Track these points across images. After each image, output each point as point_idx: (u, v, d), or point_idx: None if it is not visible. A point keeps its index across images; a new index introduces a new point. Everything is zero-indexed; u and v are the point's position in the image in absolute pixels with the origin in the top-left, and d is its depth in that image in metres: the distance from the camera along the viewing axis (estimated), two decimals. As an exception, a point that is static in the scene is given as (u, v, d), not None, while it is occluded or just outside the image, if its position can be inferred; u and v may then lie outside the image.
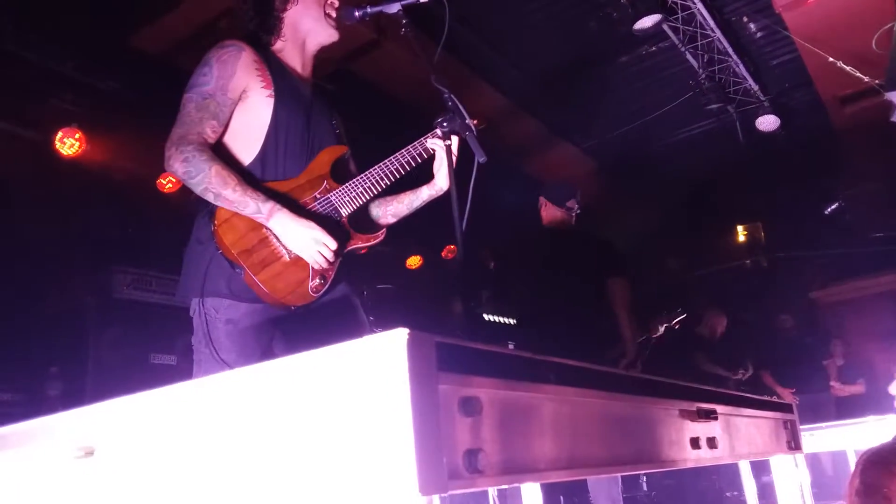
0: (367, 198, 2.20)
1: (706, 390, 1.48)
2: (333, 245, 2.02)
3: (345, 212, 2.16)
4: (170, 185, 5.15)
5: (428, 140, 2.22)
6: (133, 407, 1.03)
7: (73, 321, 4.08)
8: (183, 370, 4.21)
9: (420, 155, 2.22)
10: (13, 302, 4.13)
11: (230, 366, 1.95)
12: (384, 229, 2.28)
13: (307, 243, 1.99)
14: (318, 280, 2.06)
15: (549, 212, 4.07)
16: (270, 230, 2.00)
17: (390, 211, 2.41)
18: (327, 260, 2.03)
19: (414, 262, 7.58)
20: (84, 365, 3.90)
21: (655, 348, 4.29)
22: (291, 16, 2.24)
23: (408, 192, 2.40)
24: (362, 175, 2.19)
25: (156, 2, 4.58)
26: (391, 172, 2.21)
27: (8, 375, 3.88)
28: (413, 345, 0.77)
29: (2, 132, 4.68)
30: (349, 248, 2.17)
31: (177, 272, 4.82)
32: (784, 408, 1.98)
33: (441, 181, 2.30)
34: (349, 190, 2.17)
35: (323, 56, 2.41)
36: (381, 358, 0.78)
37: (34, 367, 3.97)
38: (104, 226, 5.16)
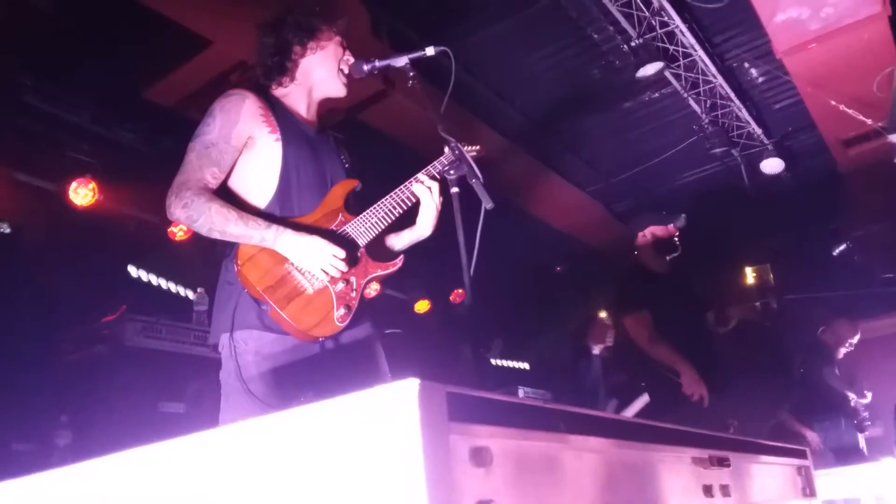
0: (383, 227, 2.23)
1: (718, 437, 1.47)
2: (341, 253, 2.05)
3: (362, 242, 2.19)
4: (181, 233, 5.21)
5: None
6: (144, 458, 1.03)
7: (84, 369, 4.09)
8: (191, 417, 4.20)
9: (434, 178, 2.26)
10: (25, 351, 4.15)
11: (259, 398, 1.98)
12: (402, 256, 2.30)
13: (316, 256, 2.03)
14: (342, 310, 2.08)
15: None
16: (292, 264, 2.04)
17: (402, 240, 2.43)
18: (342, 272, 2.06)
19: (423, 307, 7.58)
20: (93, 414, 3.89)
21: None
22: (307, 63, 2.30)
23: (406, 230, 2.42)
24: (376, 205, 2.23)
25: (169, 56, 4.70)
26: (404, 200, 2.25)
27: (20, 425, 3.88)
28: (424, 395, 0.78)
29: (17, 182, 4.76)
30: (370, 276, 2.20)
31: (185, 319, 4.84)
32: (798, 454, 1.95)
33: (425, 229, 2.33)
34: (364, 221, 2.20)
35: (331, 107, 2.46)
36: (393, 408, 0.78)
37: (45, 417, 3.96)
38: (116, 274, 5.22)
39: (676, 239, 4.22)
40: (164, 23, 4.22)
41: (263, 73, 2.30)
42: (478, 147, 2.42)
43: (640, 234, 4.25)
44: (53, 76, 4.73)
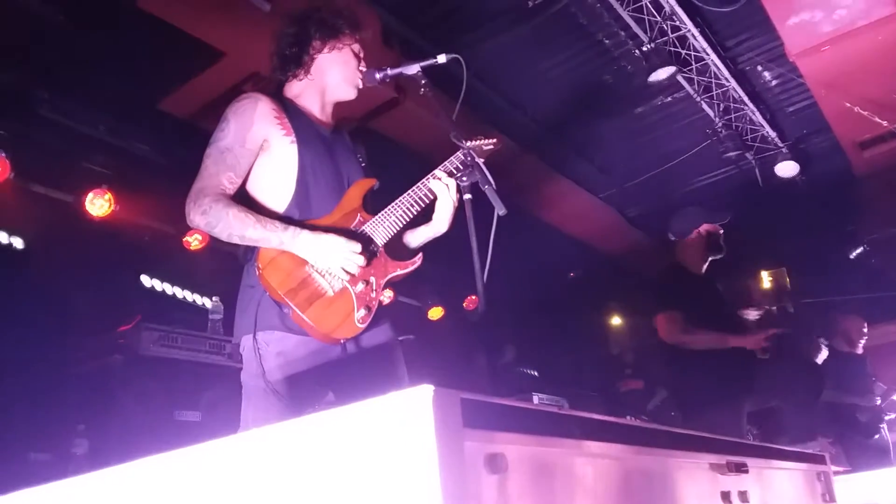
0: (401, 226, 2.24)
1: (736, 443, 1.46)
2: (357, 247, 2.06)
3: (380, 241, 2.20)
4: (196, 243, 5.24)
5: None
6: (160, 467, 1.03)
7: (101, 379, 4.12)
8: (206, 426, 4.21)
9: (457, 167, 2.26)
10: (43, 361, 4.19)
11: (281, 397, 2.00)
12: (420, 254, 2.31)
13: (334, 254, 2.04)
14: (363, 311, 2.10)
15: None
16: (312, 266, 2.05)
17: (419, 237, 2.43)
18: (362, 269, 2.07)
19: (436, 314, 7.57)
20: (110, 423, 3.92)
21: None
22: (323, 60, 2.31)
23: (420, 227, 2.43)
24: (393, 204, 2.24)
25: (183, 67, 4.74)
26: (422, 197, 2.25)
27: (37, 435, 3.91)
28: (439, 402, 0.78)
29: (34, 194, 4.82)
30: (389, 275, 2.21)
31: (201, 328, 4.86)
32: (816, 459, 1.93)
33: (442, 225, 2.33)
34: (382, 220, 2.21)
35: (343, 115, 2.48)
36: (408, 414, 0.78)
37: (62, 426, 3.99)
38: (131, 284, 5.26)
39: (722, 238, 4.14)
40: (177, 35, 4.26)
41: (279, 64, 2.32)
42: (494, 140, 2.42)
43: (696, 230, 4.11)
44: (69, 89, 4.79)
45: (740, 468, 1.40)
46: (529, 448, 0.90)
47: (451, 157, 2.27)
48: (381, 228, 2.20)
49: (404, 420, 0.78)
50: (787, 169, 6.92)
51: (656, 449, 1.17)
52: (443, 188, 2.25)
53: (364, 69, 2.35)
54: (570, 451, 0.97)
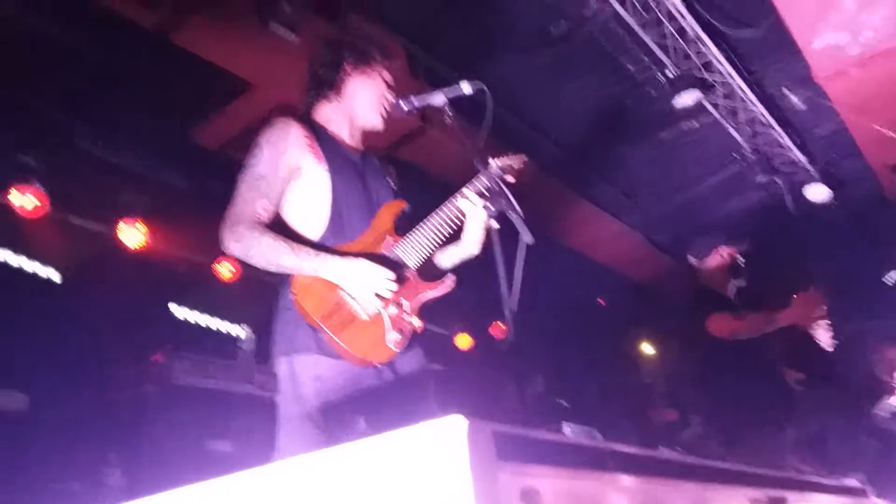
0: (433, 247, 2.23)
1: (775, 476, 1.42)
2: (391, 274, 2.07)
3: (412, 263, 2.20)
4: (227, 272, 5.31)
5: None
6: (191, 498, 1.04)
7: (133, 408, 4.16)
8: (236, 456, 4.22)
9: (479, 193, 2.24)
10: (76, 390, 4.25)
11: (316, 422, 2.00)
12: (452, 276, 2.29)
13: (365, 280, 2.05)
14: (396, 334, 2.10)
15: None
16: (345, 290, 2.06)
17: (449, 259, 2.42)
18: (394, 292, 2.07)
19: (464, 341, 7.54)
20: (142, 452, 3.94)
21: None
22: (353, 84, 2.36)
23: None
24: (421, 224, 2.24)
25: (214, 99, 4.85)
26: (451, 218, 2.24)
27: (71, 464, 3.95)
28: (473, 434, 0.77)
29: (70, 225, 4.94)
30: (420, 297, 2.20)
31: (232, 356, 4.88)
32: (857, 492, 1.87)
33: (473, 246, 2.32)
34: (413, 241, 2.21)
35: (370, 144, 2.51)
36: (442, 446, 0.78)
37: (95, 456, 4.03)
38: (163, 313, 5.33)
39: (743, 264, 4.07)
40: (208, 67, 4.36)
41: (312, 83, 2.38)
42: (523, 157, 2.41)
43: (719, 254, 4.06)
44: (104, 122, 4.93)
45: (780, 503, 1.36)
46: (563, 481, 0.89)
47: (479, 176, 2.24)
48: (412, 250, 2.21)
49: (438, 451, 0.78)
50: (817, 193, 6.82)
51: (694, 483, 1.15)
52: (471, 207, 2.23)
53: (392, 97, 2.38)
54: (605, 484, 0.96)
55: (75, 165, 4.91)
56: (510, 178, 2.27)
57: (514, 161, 2.36)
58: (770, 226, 7.57)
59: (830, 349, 4.06)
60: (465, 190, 2.24)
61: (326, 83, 2.35)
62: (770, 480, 1.39)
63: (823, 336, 3.95)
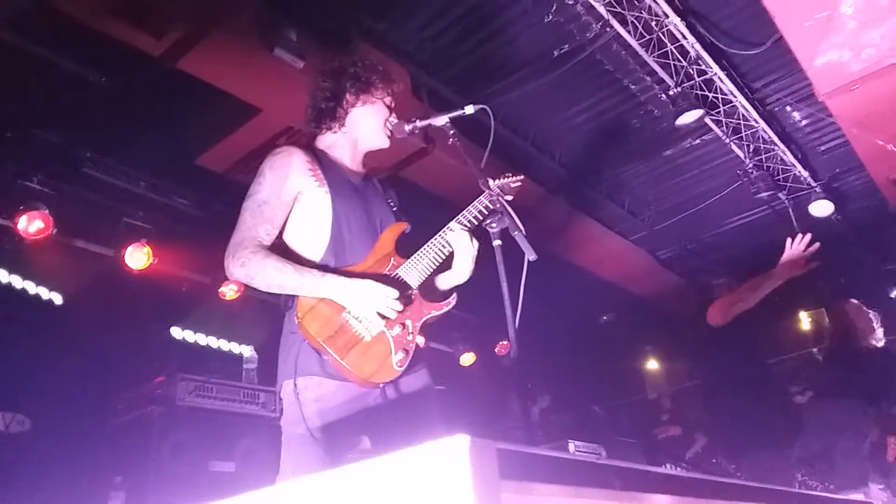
0: (435, 267, 2.25)
1: (782, 492, 1.41)
2: (393, 292, 2.08)
3: (415, 283, 2.22)
4: (231, 293, 5.32)
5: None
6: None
7: (137, 430, 4.15)
8: (241, 476, 4.20)
9: (481, 212, 2.26)
10: (80, 413, 4.25)
11: (319, 443, 2.00)
12: (454, 294, 2.31)
13: (370, 300, 2.06)
14: (400, 354, 2.11)
15: None
16: (349, 312, 2.08)
17: (444, 283, 2.43)
18: (398, 313, 2.08)
19: (468, 360, 7.52)
20: (146, 474, 3.93)
21: None
22: (356, 113, 2.38)
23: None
24: (424, 247, 2.26)
25: (220, 124, 4.89)
26: (441, 249, 2.26)
27: (75, 487, 3.94)
28: (475, 452, 0.77)
29: (75, 249, 4.96)
30: (424, 317, 2.21)
31: (236, 378, 4.88)
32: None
33: (461, 275, 2.34)
34: (415, 263, 2.23)
35: (373, 165, 2.52)
36: (444, 465, 0.78)
37: (99, 478, 4.02)
38: (167, 334, 5.34)
39: None
40: (214, 93, 4.40)
41: (314, 117, 2.39)
42: (520, 177, 2.43)
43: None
44: (111, 147, 4.97)
45: (788, 519, 1.35)
46: (567, 500, 0.89)
47: (475, 202, 2.28)
48: (414, 271, 2.22)
49: (441, 470, 0.78)
50: (821, 208, 6.82)
51: (699, 500, 1.14)
52: (457, 239, 2.26)
53: (394, 120, 2.40)
54: (610, 502, 0.95)
55: (82, 191, 4.96)
56: (509, 197, 2.29)
57: (512, 180, 2.40)
58: (774, 242, 7.55)
59: (881, 343, 4.08)
60: (452, 224, 2.28)
61: (329, 115, 2.37)
62: (776, 496, 1.38)
63: (876, 332, 3.97)
